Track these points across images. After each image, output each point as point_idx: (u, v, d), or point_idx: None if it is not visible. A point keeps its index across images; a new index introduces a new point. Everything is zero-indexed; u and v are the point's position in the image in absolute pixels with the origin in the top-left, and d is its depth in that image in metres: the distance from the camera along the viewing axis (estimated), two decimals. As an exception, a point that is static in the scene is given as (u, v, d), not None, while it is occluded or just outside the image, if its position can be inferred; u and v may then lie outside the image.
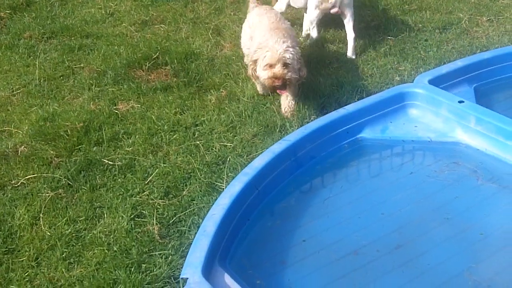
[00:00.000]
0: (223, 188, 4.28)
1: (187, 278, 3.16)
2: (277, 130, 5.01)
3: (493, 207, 3.94)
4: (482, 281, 3.38)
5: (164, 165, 4.73)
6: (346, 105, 4.81)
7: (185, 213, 4.19)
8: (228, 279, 3.29)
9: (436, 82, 4.93)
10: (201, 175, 4.53)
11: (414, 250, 3.62)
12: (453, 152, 4.47)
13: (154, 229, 4.06)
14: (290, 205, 4.06)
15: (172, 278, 3.62)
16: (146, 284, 3.58)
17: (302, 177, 4.24)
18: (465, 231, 3.75)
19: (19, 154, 5.04)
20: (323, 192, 4.17)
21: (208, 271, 3.26)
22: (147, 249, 3.90)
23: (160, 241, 3.97)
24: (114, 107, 5.65)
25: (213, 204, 3.79)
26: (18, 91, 6.15)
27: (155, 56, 6.46)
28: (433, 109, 4.72)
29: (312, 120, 4.85)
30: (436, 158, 4.44)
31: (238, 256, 3.60)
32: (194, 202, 4.29)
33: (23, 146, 5.12)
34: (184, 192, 4.41)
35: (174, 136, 5.11)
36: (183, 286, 3.12)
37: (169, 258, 3.79)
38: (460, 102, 4.61)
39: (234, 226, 3.69)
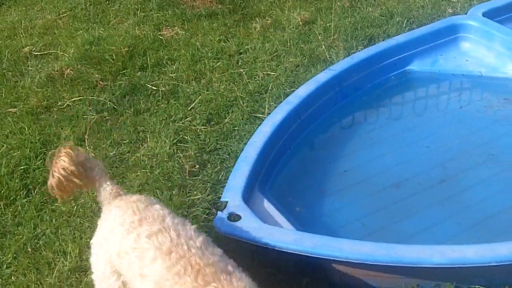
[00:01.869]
0: (265, 117, 4.23)
1: (227, 202, 3.18)
2: (322, 60, 4.89)
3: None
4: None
5: (207, 92, 4.70)
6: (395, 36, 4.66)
7: (226, 141, 4.17)
8: (267, 204, 3.31)
9: (490, 15, 4.73)
10: (243, 103, 4.50)
11: (457, 185, 3.55)
12: (504, 87, 4.33)
13: (195, 154, 4.07)
14: (333, 135, 4.02)
15: (211, 202, 3.64)
16: (186, 207, 3.61)
17: (346, 108, 4.18)
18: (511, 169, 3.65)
19: (65, 76, 5.08)
20: (367, 124, 4.11)
21: (248, 195, 3.28)
22: (187, 174, 3.92)
23: (201, 167, 3.98)
24: (159, 33, 5.62)
25: (254, 132, 3.77)
26: (64, 14, 6.17)
27: (201, -17, 6.34)
28: (486, 42, 4.55)
29: (359, 51, 4.72)
30: (486, 93, 4.31)
31: (278, 183, 3.61)
32: (236, 129, 4.27)
33: (69, 69, 5.16)
34: (226, 120, 4.39)
35: (218, 64, 5.07)
36: (223, 209, 3.14)
37: (209, 183, 3.80)
38: (515, 36, 4.42)
39: (275, 154, 3.68)
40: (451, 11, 5.50)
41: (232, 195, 3.22)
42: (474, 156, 3.75)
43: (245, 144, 3.97)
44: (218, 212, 3.13)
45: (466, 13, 4.88)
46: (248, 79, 4.81)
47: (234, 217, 3.10)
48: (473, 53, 4.60)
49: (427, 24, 5.00)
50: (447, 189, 3.53)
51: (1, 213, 3.81)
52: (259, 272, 3.04)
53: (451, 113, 4.15)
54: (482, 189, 3.53)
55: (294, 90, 4.26)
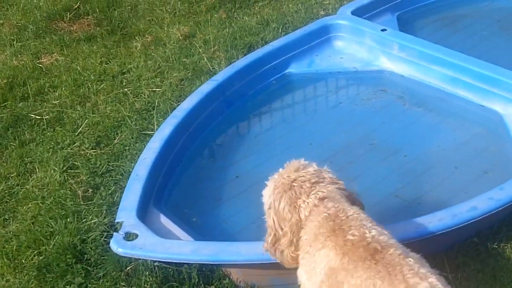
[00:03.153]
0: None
1: (122, 222, 3.18)
2: (205, 72, 4.98)
3: (419, 130, 4.06)
4: (411, 201, 3.51)
5: (94, 115, 4.66)
6: (272, 42, 4.82)
7: (118, 161, 4.15)
8: (164, 219, 3.34)
9: (359, 12, 5.00)
10: (131, 122, 4.49)
11: (345, 177, 3.68)
12: (379, 80, 4.58)
13: (88, 179, 4.02)
14: (222, 144, 4.10)
15: (108, 225, 3.61)
16: (83, 233, 3.57)
17: (232, 116, 4.28)
18: (392, 155, 3.87)
19: None
20: (254, 129, 4.23)
21: (143, 213, 3.29)
22: (81, 200, 3.87)
23: (94, 190, 3.94)
24: (38, 61, 5.51)
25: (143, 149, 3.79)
26: None
27: (76, 6, 6.30)
28: (357, 39, 4.79)
29: (239, 59, 4.83)
30: (362, 87, 4.54)
31: (173, 198, 3.64)
32: (126, 149, 4.25)
33: None
34: (116, 141, 4.37)
35: (102, 86, 5.03)
36: (119, 230, 3.13)
37: (105, 206, 3.76)
38: (382, 30, 4.69)
39: (167, 169, 3.71)
40: (323, 13, 5.74)
41: (126, 214, 3.22)
42: (357, 148, 3.94)
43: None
44: (114, 233, 3.12)
45: (336, 13, 5.12)
46: (134, 97, 4.81)
47: (131, 236, 3.11)
48: (347, 50, 4.83)
49: (302, 27, 5.20)
50: (336, 182, 3.68)
51: None
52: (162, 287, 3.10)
53: (331, 110, 4.34)
54: (367, 177, 3.69)
55: (179, 104, 4.31)
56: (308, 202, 2.52)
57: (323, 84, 4.61)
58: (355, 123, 4.17)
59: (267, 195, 2.67)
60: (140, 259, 3.21)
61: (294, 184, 2.57)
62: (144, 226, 3.13)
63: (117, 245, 3.03)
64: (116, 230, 3.19)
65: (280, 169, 2.74)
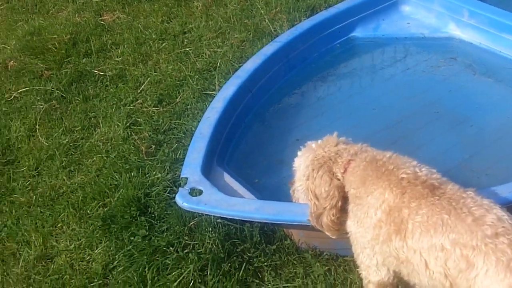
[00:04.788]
0: (216, 94, 4.27)
1: (187, 178, 3.21)
2: (267, 33, 4.94)
3: (487, 100, 3.95)
4: (479, 172, 3.42)
5: (155, 73, 4.70)
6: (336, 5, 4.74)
7: (180, 120, 4.19)
8: (227, 177, 3.36)
9: (429, -24, 4.84)
10: (193, 82, 4.52)
11: (410, 145, 3.64)
12: (447, 47, 4.46)
13: (150, 135, 4.08)
14: (284, 106, 4.08)
15: (171, 181, 3.66)
16: (146, 187, 3.63)
17: (295, 79, 4.25)
18: (459, 125, 3.78)
19: (9, 69, 5.00)
20: (317, 92, 4.19)
21: (207, 171, 3.31)
22: (144, 155, 3.93)
23: (157, 147, 3.99)
24: (100, 18, 5.57)
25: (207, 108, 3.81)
26: (1, 7, 6.02)
27: (138, -35, 6.28)
28: (425, 4, 4.66)
29: (302, 22, 4.78)
30: (430, 54, 4.43)
31: (236, 157, 3.65)
32: (188, 108, 4.29)
33: (12, 61, 5.07)
34: (178, 99, 4.40)
35: (163, 45, 5.06)
36: (184, 186, 3.17)
37: (167, 163, 3.81)
38: (452, -5, 4.55)
39: (230, 129, 3.72)
40: (390, -23, 5.61)
41: (191, 171, 3.25)
42: (421, 116, 3.86)
43: (199, 121, 4.01)
44: (179, 188, 3.16)
45: (405, -23, 4.98)
46: (195, 57, 4.82)
47: (195, 192, 3.14)
48: (414, 15, 4.71)
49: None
50: (399, 150, 3.61)
51: (-42, 210, 3.75)
52: (225, 244, 3.14)
53: (397, 76, 4.26)
54: (433, 147, 3.63)
55: (242, 65, 4.30)
56: (342, 162, 2.57)
57: (389, 49, 4.53)
58: (421, 90, 4.09)
59: (303, 165, 2.73)
60: (203, 215, 3.25)
61: (332, 156, 2.62)
62: (209, 183, 3.15)
63: (182, 200, 3.07)
64: (179, 186, 3.22)
65: (314, 142, 2.78)
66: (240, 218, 3.06)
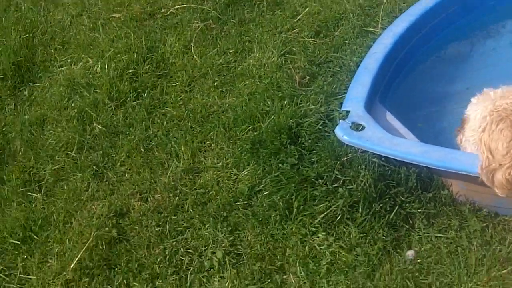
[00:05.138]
0: (377, 32, 4.06)
1: (349, 111, 3.07)
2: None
3: None
4: None
5: (314, 4, 4.53)
6: None
7: (337, 53, 4.02)
8: (389, 116, 3.18)
9: None
10: (353, 17, 4.30)
11: None
12: None
13: (305, 66, 3.95)
14: (456, 51, 3.81)
15: (324, 114, 3.54)
16: (298, 117, 3.53)
17: (470, 24, 3.92)
18: None
19: (167, -16, 5.00)
20: (492, 41, 3.87)
21: (369, 106, 3.15)
22: (298, 85, 3.81)
23: (311, 78, 3.87)
24: None
25: (372, 43, 3.62)
26: None
27: None
28: None
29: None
30: None
31: (399, 97, 3.46)
32: (346, 43, 4.10)
33: (170, -23, 5.07)
34: (336, 33, 4.23)
35: (324, -23, 4.86)
36: (344, 119, 3.03)
37: (322, 95, 3.68)
38: None
39: (395, 66, 3.52)
40: None
41: (354, 104, 3.10)
42: None
43: (358, 58, 3.84)
44: (340, 121, 3.03)
45: None
46: (357, -9, 4.60)
47: (356, 126, 3.00)
48: None
49: None
50: None
51: (113, 114, 3.83)
52: (378, 184, 3.00)
53: None
54: None
55: (409, 6, 4.03)
56: None
57: None
58: None
59: (480, 115, 2.56)
60: (357, 151, 3.12)
61: None
62: (372, 119, 3.00)
63: (343, 133, 2.94)
64: (340, 119, 3.08)
65: (493, 90, 2.64)
66: (402, 159, 2.88)
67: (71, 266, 3.01)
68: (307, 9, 4.48)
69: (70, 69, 4.24)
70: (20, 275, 3.09)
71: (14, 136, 3.82)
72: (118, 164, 3.54)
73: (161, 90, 3.97)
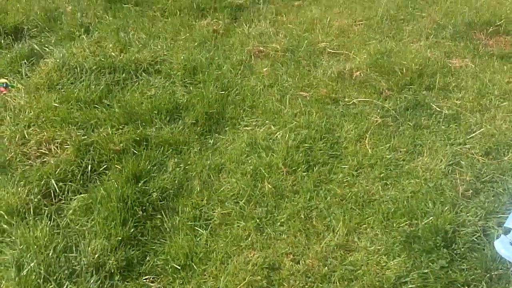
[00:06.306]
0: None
1: (511, 229, 3.20)
2: None
3: None
4: None
5: (490, 127, 4.71)
6: None
7: (504, 176, 4.16)
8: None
9: None
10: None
11: None
12: None
13: (470, 180, 4.11)
14: None
15: (481, 228, 3.67)
16: (455, 224, 3.70)
17: None
18: None
19: (353, 77, 5.42)
20: None
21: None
22: (460, 196, 3.98)
23: (474, 193, 4.02)
24: (448, 60, 5.73)
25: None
26: (360, 22, 6.57)
27: (498, 23, 6.34)
28: None
29: None
30: None
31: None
32: (515, 168, 4.24)
33: (358, 72, 5.48)
34: (505, 158, 4.37)
35: (504, 104, 5.04)
36: (505, 234, 3.17)
37: (482, 210, 3.82)
38: None
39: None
40: None
41: (516, 224, 3.24)
42: None
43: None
44: (502, 235, 3.17)
45: None
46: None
47: (515, 244, 3.13)
48: None
49: None
50: None
51: (283, 178, 4.20)
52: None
53: None
54: None
55: None
56: None
57: None
58: None
59: None
60: (509, 269, 3.23)
61: None
62: (532, 242, 3.11)
63: (502, 246, 3.08)
64: (504, 233, 3.22)
65: None
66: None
67: (222, 301, 3.33)
68: (482, 129, 4.66)
69: (254, 130, 4.70)
70: (177, 298, 3.46)
71: (194, 176, 4.28)
72: (279, 223, 3.87)
73: (330, 168, 4.29)
